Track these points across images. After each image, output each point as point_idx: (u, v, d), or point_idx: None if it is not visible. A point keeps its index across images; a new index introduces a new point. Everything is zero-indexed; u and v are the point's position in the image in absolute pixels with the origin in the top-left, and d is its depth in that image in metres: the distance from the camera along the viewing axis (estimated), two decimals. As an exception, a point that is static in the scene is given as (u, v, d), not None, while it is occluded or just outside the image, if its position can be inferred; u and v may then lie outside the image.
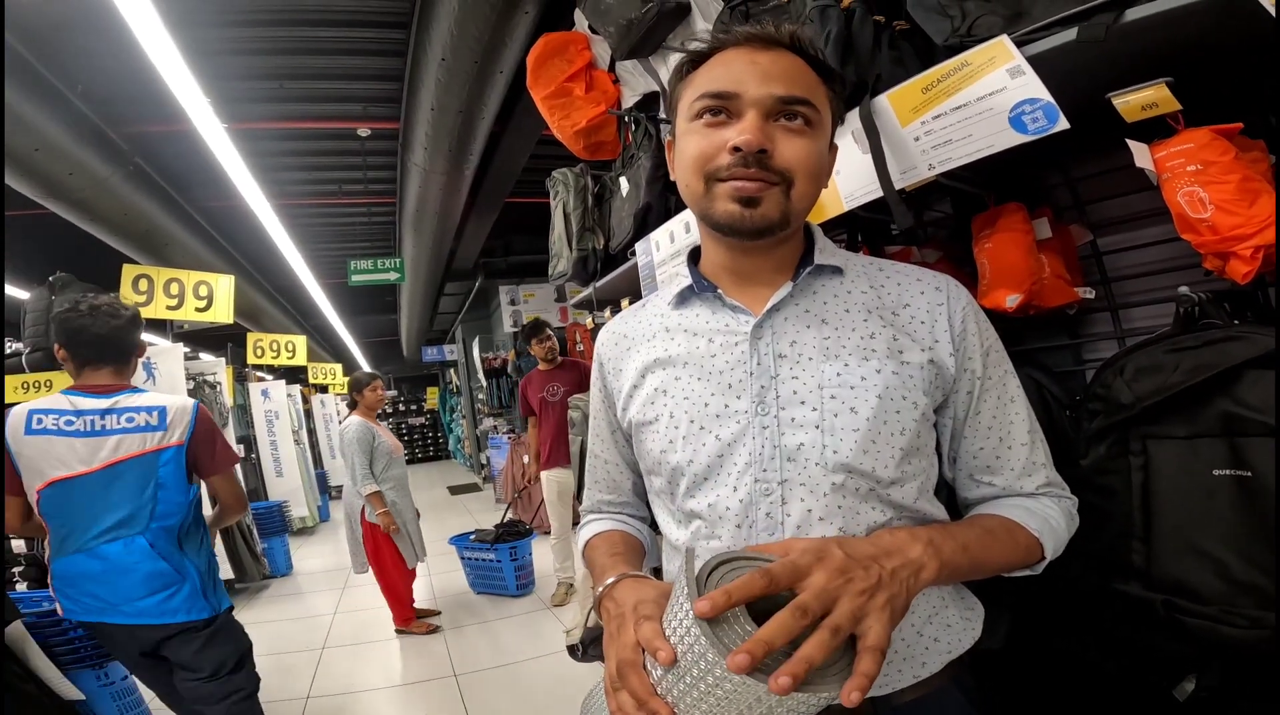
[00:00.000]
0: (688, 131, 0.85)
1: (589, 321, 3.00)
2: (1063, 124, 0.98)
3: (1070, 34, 0.97)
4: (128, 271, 5.16)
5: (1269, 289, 1.22)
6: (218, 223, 7.03)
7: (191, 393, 5.40)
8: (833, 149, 0.90)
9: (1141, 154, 0.99)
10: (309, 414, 11.01)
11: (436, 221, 6.18)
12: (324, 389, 12.01)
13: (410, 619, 4.42)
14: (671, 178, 0.91)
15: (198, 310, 5.45)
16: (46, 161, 4.22)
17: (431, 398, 19.31)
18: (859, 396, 0.78)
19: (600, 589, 0.82)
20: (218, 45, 4.35)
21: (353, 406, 4.52)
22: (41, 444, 1.96)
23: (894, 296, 0.86)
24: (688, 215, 1.95)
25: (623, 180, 2.43)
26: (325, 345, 14.13)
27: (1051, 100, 0.99)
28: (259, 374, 8.74)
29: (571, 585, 4.68)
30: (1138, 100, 0.94)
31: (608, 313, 2.69)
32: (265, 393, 8.12)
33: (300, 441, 8.88)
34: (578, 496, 2.78)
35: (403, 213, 6.57)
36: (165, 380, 5.22)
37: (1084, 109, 1.05)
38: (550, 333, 4.72)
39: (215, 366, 6.23)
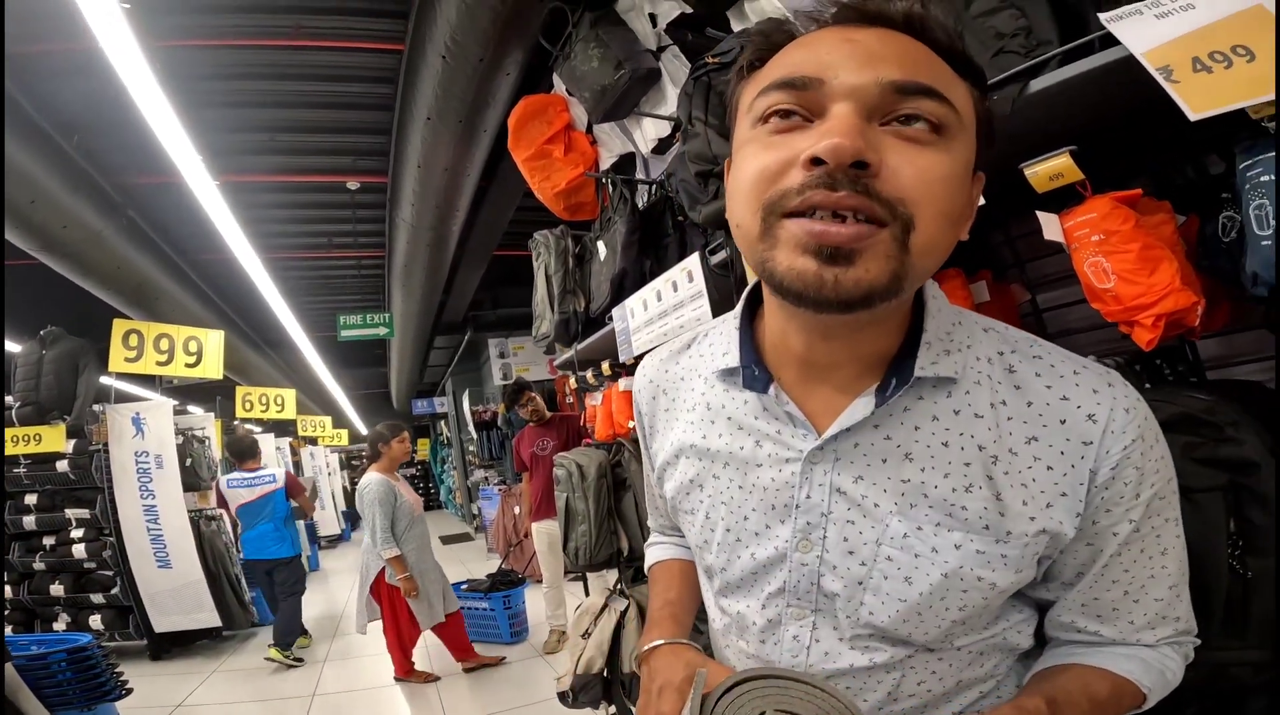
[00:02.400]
0: (746, 142, 0.59)
1: (572, 381, 3.07)
2: (979, 201, 1.06)
3: None
4: (118, 326, 5.22)
5: (1196, 343, 1.30)
6: (209, 276, 7.11)
7: (180, 447, 5.41)
8: (978, 178, 0.63)
9: (1050, 225, 1.06)
10: (298, 466, 10.96)
11: (425, 276, 6.28)
12: (313, 441, 11.96)
13: (410, 671, 4.33)
14: (740, 271, 0.72)
15: (187, 366, 5.50)
16: (42, 213, 4.26)
17: (422, 449, 19.21)
18: (920, 568, 0.62)
19: (645, 647, 0.79)
20: (209, 97, 4.48)
21: (373, 459, 4.26)
22: (233, 490, 5.14)
23: (1021, 427, 0.61)
24: (661, 283, 1.98)
25: (600, 244, 2.51)
26: (315, 397, 14.09)
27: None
28: (248, 426, 8.72)
29: (564, 633, 4.65)
30: (1045, 170, 1.02)
31: (589, 374, 2.74)
32: (253, 446, 8.10)
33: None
34: (564, 548, 2.80)
35: (392, 268, 6.67)
36: (153, 434, 5.25)
37: (1009, 176, 1.13)
38: (533, 394, 4.79)
39: (204, 421, 6.25)
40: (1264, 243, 0.90)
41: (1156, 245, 0.99)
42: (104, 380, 5.75)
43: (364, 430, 20.47)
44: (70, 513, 5.26)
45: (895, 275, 0.52)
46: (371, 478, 4.14)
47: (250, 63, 4.28)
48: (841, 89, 0.53)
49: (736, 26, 2.05)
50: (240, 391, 8.02)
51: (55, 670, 2.70)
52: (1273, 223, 0.89)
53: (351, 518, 10.61)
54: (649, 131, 2.57)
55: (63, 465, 5.23)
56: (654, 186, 2.47)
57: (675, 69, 2.48)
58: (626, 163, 2.89)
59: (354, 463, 20.83)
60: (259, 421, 8.73)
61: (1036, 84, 1.02)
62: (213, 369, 5.64)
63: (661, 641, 0.78)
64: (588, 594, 3.34)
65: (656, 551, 1.00)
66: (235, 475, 5.27)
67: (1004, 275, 1.48)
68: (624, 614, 2.69)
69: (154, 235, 5.85)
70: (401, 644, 4.30)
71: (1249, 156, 0.94)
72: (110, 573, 5.17)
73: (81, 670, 2.90)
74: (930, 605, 0.62)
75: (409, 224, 5.18)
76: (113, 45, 2.82)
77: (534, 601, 5.19)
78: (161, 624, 5.11)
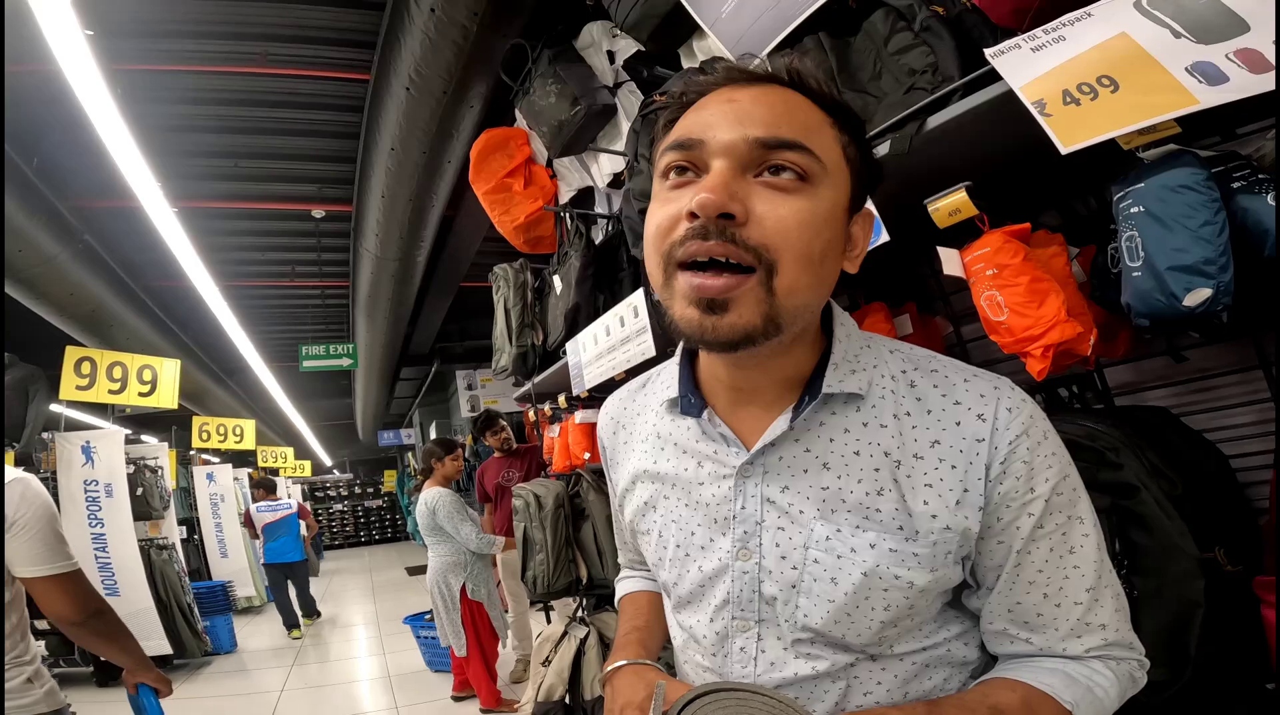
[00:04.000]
0: (653, 197, 0.68)
1: (532, 415, 3.11)
2: (884, 237, 1.11)
3: (885, 146, 1.12)
4: (70, 354, 5.12)
5: (1103, 370, 1.37)
6: (165, 303, 7.00)
7: (131, 477, 5.31)
8: (861, 217, 0.70)
9: (950, 261, 1.12)
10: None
11: (390, 307, 6.26)
12: (275, 472, 11.72)
13: (499, 698, 4.10)
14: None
15: (141, 395, 5.41)
16: (-1, 238, 4.17)
17: (389, 481, 18.90)
18: (843, 568, 0.67)
19: (609, 667, 0.84)
20: (171, 121, 4.47)
21: (427, 474, 4.23)
22: (260, 514, 7.29)
23: (923, 433, 0.68)
24: (610, 317, 2.04)
25: (556, 279, 2.56)
26: (277, 428, 13.82)
27: (875, 213, 1.13)
28: (205, 457, 8.53)
29: (529, 661, 4.58)
30: (945, 207, 1.08)
31: (547, 406, 2.77)
32: (210, 476, 7.97)
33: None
34: (523, 577, 2.80)
35: (356, 298, 6.64)
36: (103, 463, 5.15)
37: (920, 210, 1.20)
38: (504, 424, 4.78)
39: (158, 451, 6.12)
40: (1135, 274, 0.96)
41: (1044, 278, 1.05)
42: (54, 407, 5.61)
43: (328, 461, 20.11)
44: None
45: (766, 317, 0.60)
46: (438, 491, 4.05)
47: (214, 88, 4.28)
48: (717, 147, 0.62)
49: (686, 63, 2.15)
50: (197, 421, 7.87)
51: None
52: (1142, 254, 0.95)
53: (317, 547, 10.55)
54: (605, 166, 2.64)
55: (8, 495, 5.06)
56: (610, 221, 2.52)
57: (630, 104, 2.57)
58: (585, 196, 2.96)
59: (317, 494, 20.45)
60: (216, 452, 8.55)
61: (934, 120, 1.09)
62: (167, 399, 5.55)
63: (625, 662, 0.82)
64: (550, 621, 3.32)
65: (625, 585, 1.05)
66: (261, 503, 7.50)
67: (930, 307, 1.54)
68: (584, 641, 2.69)
69: (111, 261, 5.75)
70: (489, 667, 4.07)
71: (1121, 187, 1.01)
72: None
73: None
74: (857, 605, 0.67)
75: (373, 254, 5.18)
76: (74, 68, 2.82)
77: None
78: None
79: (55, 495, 4.93)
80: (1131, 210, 0.97)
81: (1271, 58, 0.88)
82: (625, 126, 2.53)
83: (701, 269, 0.60)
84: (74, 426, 5.85)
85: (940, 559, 0.67)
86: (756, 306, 0.60)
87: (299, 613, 7.06)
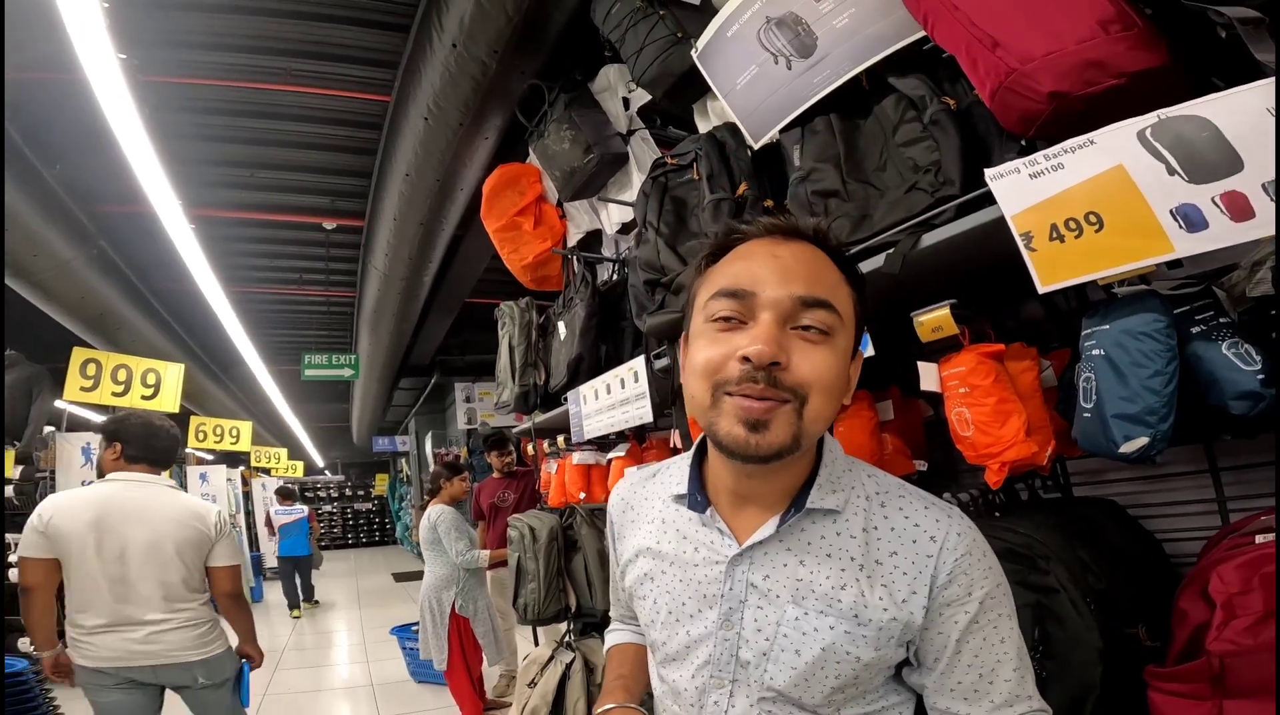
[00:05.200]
0: (700, 333, 0.82)
1: (531, 449, 3.19)
2: (869, 351, 1.18)
3: (879, 260, 1.19)
4: (77, 355, 5.18)
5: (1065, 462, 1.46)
6: (171, 305, 7.07)
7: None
8: (857, 357, 0.86)
9: (928, 376, 1.19)
10: (248, 496, 10.75)
11: (394, 322, 6.33)
12: (267, 472, 11.75)
13: (480, 711, 4.19)
14: (678, 382, 0.94)
15: (144, 398, 5.45)
16: (13, 241, 4.28)
17: (380, 484, 18.89)
18: (805, 644, 0.81)
19: (598, 710, 0.99)
20: (192, 130, 4.56)
21: (434, 494, 4.37)
22: (279, 516, 9.20)
23: (885, 545, 0.83)
24: (610, 377, 2.11)
25: (560, 324, 2.61)
26: (273, 429, 13.85)
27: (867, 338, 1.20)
28: (199, 455, 8.58)
29: (513, 677, 4.63)
30: (928, 322, 1.16)
31: (546, 444, 2.84)
32: (203, 477, 8.01)
33: (236, 525, 8.73)
34: (514, 603, 2.87)
35: (361, 311, 6.71)
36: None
37: (911, 307, 1.27)
38: (512, 448, 4.86)
39: (154, 451, 6.16)
40: (1086, 414, 1.04)
41: (1010, 399, 1.14)
42: (58, 404, 5.67)
43: (321, 462, 20.10)
44: (11, 537, 5.12)
45: (795, 436, 0.76)
46: (441, 509, 4.18)
47: (235, 99, 4.37)
48: (766, 301, 0.77)
49: (699, 121, 2.23)
50: (194, 421, 7.91)
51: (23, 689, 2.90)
52: (1094, 397, 1.02)
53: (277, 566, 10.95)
54: (614, 214, 2.72)
55: (8, 490, 5.11)
56: (616, 265, 2.60)
57: (642, 153, 2.65)
58: (594, 238, 3.02)
59: (307, 495, 20.41)
60: (211, 451, 8.60)
61: (929, 238, 1.16)
62: (169, 402, 5.60)
63: (612, 705, 1.00)
64: (537, 644, 3.37)
65: (615, 636, 1.20)
66: (279, 507, 9.39)
67: (913, 390, 1.62)
68: (570, 665, 2.75)
69: (122, 265, 5.83)
70: (472, 681, 4.16)
71: (1089, 323, 1.07)
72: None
73: (15, 695, 2.89)
74: (814, 672, 0.81)
75: (381, 272, 5.26)
76: (103, 85, 2.92)
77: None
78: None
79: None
80: (1093, 352, 1.04)
81: (1256, 203, 0.92)
82: (636, 176, 2.59)
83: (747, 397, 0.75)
84: (77, 422, 5.90)
85: (884, 642, 0.81)
86: (789, 427, 0.75)
87: (300, 597, 8.81)
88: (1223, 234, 0.93)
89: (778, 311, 0.76)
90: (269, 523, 9.59)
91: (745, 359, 0.74)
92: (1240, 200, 0.93)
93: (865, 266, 1.24)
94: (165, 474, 2.62)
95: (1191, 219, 0.95)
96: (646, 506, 1.00)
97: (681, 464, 0.98)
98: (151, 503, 2.42)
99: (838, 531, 0.84)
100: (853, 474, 0.88)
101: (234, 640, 2.61)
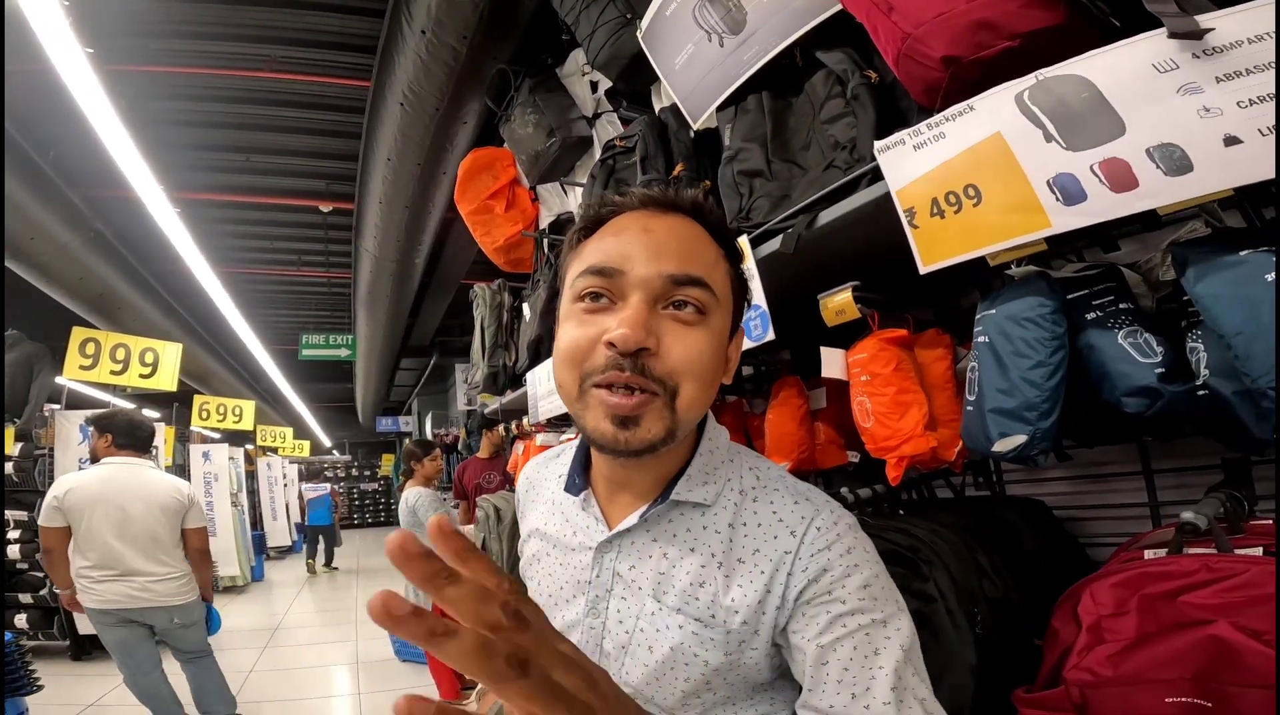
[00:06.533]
0: (568, 315, 0.75)
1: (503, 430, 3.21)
2: (770, 336, 1.16)
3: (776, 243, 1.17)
4: (76, 334, 5.26)
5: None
6: (172, 287, 7.15)
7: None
8: (737, 335, 0.81)
9: (832, 362, 1.14)
10: (252, 475, 10.90)
11: (389, 303, 6.37)
12: (273, 451, 11.89)
13: (458, 691, 4.12)
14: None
15: (142, 376, 5.53)
16: (12, 225, 4.38)
17: (386, 465, 19.06)
18: (657, 641, 0.77)
19: (477, 690, 0.96)
20: (183, 117, 4.62)
21: (409, 475, 4.35)
22: (308, 493, 11.82)
23: (749, 541, 0.77)
24: None
25: (525, 306, 2.62)
26: (277, 408, 14.00)
27: (766, 309, 1.18)
28: (203, 433, 8.69)
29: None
30: (833, 306, 1.11)
31: (513, 425, 2.86)
32: (206, 455, 8.11)
33: (239, 504, 8.86)
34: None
35: (357, 292, 6.75)
36: (100, 442, 5.26)
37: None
38: (502, 429, 4.90)
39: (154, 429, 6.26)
40: (969, 409, 0.99)
41: (911, 390, 1.09)
42: (58, 381, 5.77)
43: (327, 442, 20.28)
44: (9, 514, 5.25)
45: (668, 430, 0.70)
46: (419, 491, 4.17)
47: (226, 86, 4.41)
48: (636, 280, 0.71)
49: (655, 102, 2.21)
50: (198, 400, 8.01)
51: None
52: (977, 390, 0.96)
53: (304, 530, 11.36)
54: (582, 194, 2.71)
55: (7, 467, 5.23)
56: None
57: (608, 136, 2.63)
58: (566, 221, 3.02)
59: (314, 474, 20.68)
60: (216, 430, 8.71)
61: (825, 217, 1.12)
62: (167, 381, 5.67)
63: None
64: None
65: None
66: (308, 485, 12.31)
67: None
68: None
69: (120, 247, 5.90)
70: (445, 672, 4.14)
71: (980, 310, 1.00)
72: (40, 574, 5.15)
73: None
74: (664, 672, 0.77)
75: (372, 254, 5.29)
76: (71, 72, 2.95)
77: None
78: (85, 626, 5.02)
79: (51, 472, 5.10)
80: (980, 339, 0.99)
81: (1140, 172, 0.85)
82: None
83: (615, 388, 0.70)
84: (76, 399, 6.00)
85: (734, 646, 0.75)
86: (661, 421, 0.70)
87: (322, 560, 10.85)
88: (1101, 208, 0.87)
89: (648, 291, 0.70)
90: (301, 497, 12.46)
91: (610, 344, 0.68)
92: (1121, 168, 0.86)
93: (767, 248, 1.23)
94: (145, 457, 3.32)
95: (1069, 191, 0.89)
96: (544, 486, 0.97)
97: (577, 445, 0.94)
98: (140, 480, 3.18)
99: (704, 525, 0.79)
100: (732, 465, 0.83)
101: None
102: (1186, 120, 0.83)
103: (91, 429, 3.51)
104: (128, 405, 5.90)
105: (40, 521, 3.17)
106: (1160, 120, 0.84)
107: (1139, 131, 0.85)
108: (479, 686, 0.97)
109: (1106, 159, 0.87)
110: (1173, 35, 0.84)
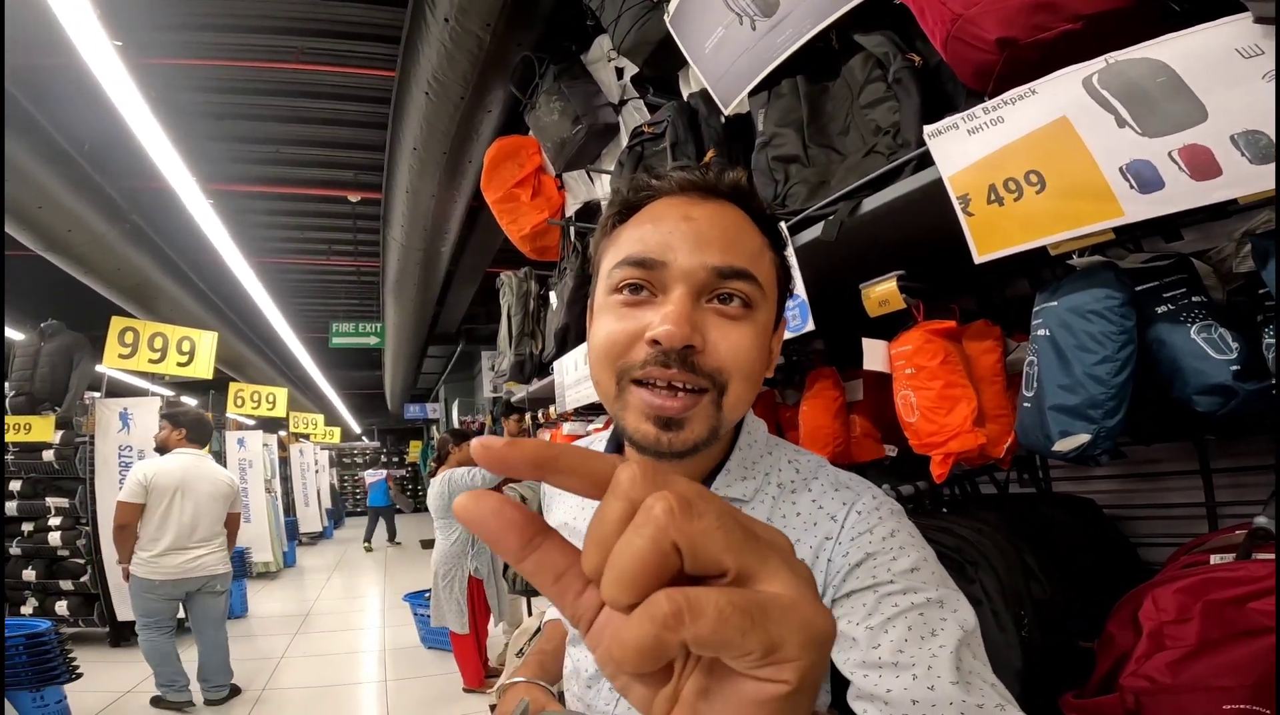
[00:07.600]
0: (604, 307, 0.70)
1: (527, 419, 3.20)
2: (809, 326, 1.11)
3: (817, 230, 1.12)
4: (115, 324, 5.35)
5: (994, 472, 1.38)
6: (207, 277, 7.26)
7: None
8: (779, 328, 0.76)
9: (874, 354, 1.09)
10: (285, 461, 11.09)
11: (417, 292, 6.41)
12: (306, 437, 12.09)
13: (482, 678, 4.24)
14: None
15: (179, 365, 5.62)
16: (50, 217, 4.51)
17: (414, 451, 19.31)
18: None
19: (502, 682, 0.94)
20: (215, 109, 4.68)
21: (442, 461, 4.41)
22: (367, 478, 13.21)
23: (790, 533, 0.72)
24: (583, 350, 2.08)
25: (552, 294, 2.60)
26: (309, 395, 14.22)
27: (806, 299, 1.13)
28: (238, 420, 8.85)
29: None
30: (876, 296, 1.06)
31: (540, 413, 2.85)
32: (241, 442, 8.26)
33: (272, 490, 9.00)
34: (504, 573, 2.91)
35: (385, 281, 6.81)
36: (139, 429, 5.38)
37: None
38: (525, 415, 4.90)
39: (190, 417, 6.39)
40: (1025, 405, 0.93)
41: (959, 383, 1.03)
42: (98, 369, 5.89)
43: (357, 429, 20.58)
44: (50, 501, 5.38)
45: (713, 430, 0.66)
46: (452, 471, 4.18)
47: (254, 78, 4.45)
48: (679, 272, 0.65)
49: (683, 88, 2.16)
50: (233, 387, 8.14)
51: (13, 654, 3.04)
52: (1036, 385, 0.91)
53: (335, 516, 11.75)
54: (609, 182, 2.67)
55: (48, 455, 5.36)
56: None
57: (635, 122, 2.58)
58: (593, 209, 2.98)
59: (344, 461, 20.96)
60: (251, 417, 8.86)
61: (869, 203, 1.07)
62: (203, 369, 5.76)
63: (519, 680, 0.93)
64: (530, 613, 3.42)
65: (552, 611, 1.17)
66: (369, 471, 13.44)
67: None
68: (558, 636, 2.78)
69: (156, 238, 5.99)
70: (480, 648, 4.25)
71: (1040, 299, 0.95)
72: (82, 561, 5.28)
73: (36, 655, 3.09)
74: None
75: (399, 243, 5.31)
76: (101, 65, 2.97)
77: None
78: (125, 613, 5.15)
79: (92, 459, 5.22)
80: (1039, 332, 0.93)
81: (1223, 158, 0.80)
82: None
83: (658, 388, 0.65)
84: (116, 387, 6.13)
85: None
86: (707, 422, 0.65)
87: (385, 537, 12.15)
88: (1179, 196, 0.82)
89: (691, 284, 0.65)
90: (362, 481, 14.85)
91: (654, 342, 0.63)
92: (1203, 155, 0.81)
93: (808, 235, 1.18)
94: (205, 450, 4.02)
95: (1145, 177, 0.84)
96: None
97: (602, 442, 0.90)
98: (206, 469, 3.94)
99: None
100: (771, 458, 0.78)
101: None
102: (1273, 106, 0.77)
103: (164, 421, 4.06)
104: (167, 393, 6.04)
105: (123, 497, 3.68)
106: (1245, 106, 0.78)
107: (1222, 117, 0.80)
108: (500, 680, 0.95)
109: (1187, 145, 0.81)
110: (1259, 20, 0.79)
